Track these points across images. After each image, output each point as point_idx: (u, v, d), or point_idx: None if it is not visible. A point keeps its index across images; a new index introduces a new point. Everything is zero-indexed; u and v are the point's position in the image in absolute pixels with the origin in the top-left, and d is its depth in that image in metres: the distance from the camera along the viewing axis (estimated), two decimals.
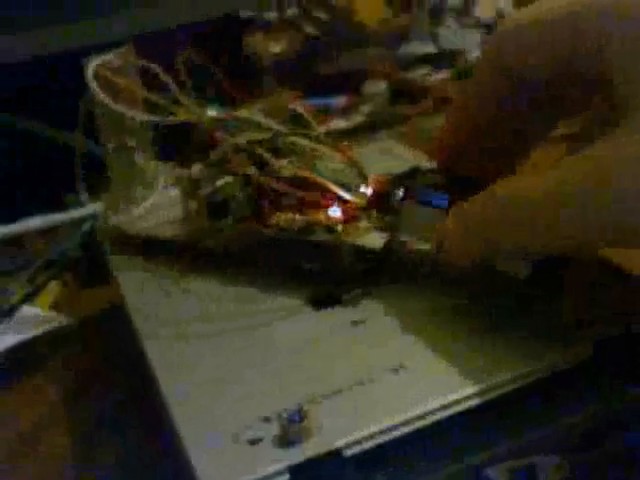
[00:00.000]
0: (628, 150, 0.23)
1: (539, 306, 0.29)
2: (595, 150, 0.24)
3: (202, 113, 0.35)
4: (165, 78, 0.35)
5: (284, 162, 0.34)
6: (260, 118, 0.36)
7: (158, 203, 0.39)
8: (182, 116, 0.34)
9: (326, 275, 0.32)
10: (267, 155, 0.33)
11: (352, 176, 0.34)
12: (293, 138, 0.35)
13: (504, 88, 0.29)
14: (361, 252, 0.32)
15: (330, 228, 0.32)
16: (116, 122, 0.38)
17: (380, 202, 0.32)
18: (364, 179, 0.34)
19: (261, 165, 0.34)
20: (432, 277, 0.31)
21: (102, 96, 0.35)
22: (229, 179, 0.34)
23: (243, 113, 0.36)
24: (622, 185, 0.23)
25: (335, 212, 0.32)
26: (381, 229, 0.32)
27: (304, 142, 0.35)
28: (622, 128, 0.24)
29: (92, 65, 0.35)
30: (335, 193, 0.32)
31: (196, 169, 0.35)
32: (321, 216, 0.32)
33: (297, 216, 0.32)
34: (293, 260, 0.33)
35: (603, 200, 0.23)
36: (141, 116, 0.36)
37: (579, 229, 0.24)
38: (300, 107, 0.37)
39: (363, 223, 0.32)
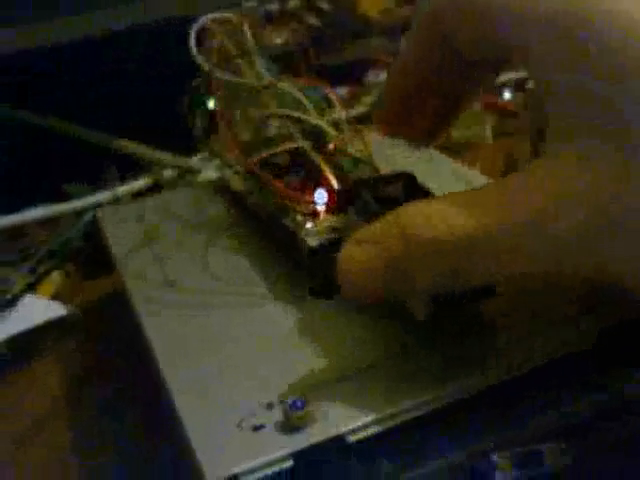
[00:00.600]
0: (558, 186, 0.22)
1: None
2: (524, 179, 0.23)
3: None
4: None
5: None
6: (300, 94, 0.36)
7: None
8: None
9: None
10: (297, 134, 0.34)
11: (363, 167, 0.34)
12: (317, 120, 0.35)
13: (437, 51, 0.27)
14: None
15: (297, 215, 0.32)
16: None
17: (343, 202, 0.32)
18: (375, 171, 0.34)
19: None
20: None
21: (197, 55, 0.37)
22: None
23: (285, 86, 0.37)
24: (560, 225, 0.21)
25: (320, 198, 0.32)
26: (332, 230, 0.31)
27: (327, 126, 0.35)
28: (549, 153, 0.23)
29: (198, 24, 0.37)
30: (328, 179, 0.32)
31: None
32: (300, 198, 0.32)
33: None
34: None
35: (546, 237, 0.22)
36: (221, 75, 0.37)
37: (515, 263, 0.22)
38: (331, 92, 0.37)
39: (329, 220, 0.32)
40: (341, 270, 0.25)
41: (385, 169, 0.33)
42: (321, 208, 0.32)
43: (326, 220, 0.31)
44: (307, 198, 0.32)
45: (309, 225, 0.31)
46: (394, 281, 0.24)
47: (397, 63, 0.29)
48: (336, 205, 0.32)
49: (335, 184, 0.32)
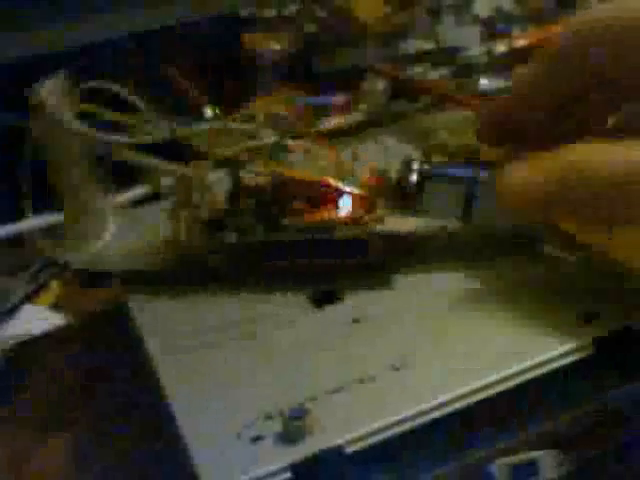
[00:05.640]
0: None
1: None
2: None
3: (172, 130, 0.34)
4: (131, 98, 0.34)
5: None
6: (244, 126, 0.36)
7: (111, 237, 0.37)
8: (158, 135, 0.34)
9: (338, 270, 0.32)
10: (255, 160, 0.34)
11: (342, 172, 0.34)
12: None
13: (574, 76, 0.28)
14: (392, 239, 0.32)
15: (350, 222, 0.32)
16: (63, 154, 0.35)
17: (389, 189, 0.33)
18: (352, 174, 0.34)
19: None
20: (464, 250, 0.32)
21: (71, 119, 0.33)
22: (216, 194, 0.34)
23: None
24: None
25: (345, 205, 0.33)
26: (400, 214, 0.33)
27: (291, 143, 0.35)
28: None
29: (46, 89, 0.33)
30: (338, 189, 0.33)
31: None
32: (330, 214, 0.33)
33: (311, 217, 0.33)
34: (311, 259, 0.33)
35: None
36: (114, 138, 0.34)
37: None
38: (286, 109, 0.37)
39: (378, 212, 0.33)
40: (504, 185, 0.27)
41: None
42: (346, 212, 0.33)
43: (371, 216, 0.32)
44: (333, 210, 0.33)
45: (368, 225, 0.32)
46: (548, 203, 0.26)
47: (526, 79, 0.30)
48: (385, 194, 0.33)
49: (356, 191, 0.33)
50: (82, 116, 0.34)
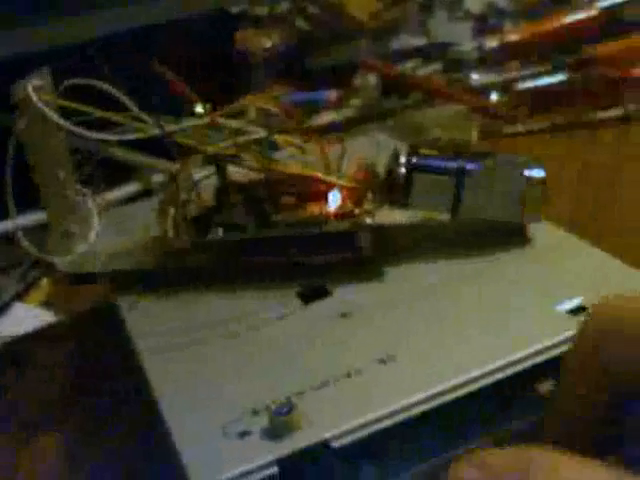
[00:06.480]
0: None
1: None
2: None
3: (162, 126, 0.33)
4: (119, 95, 0.33)
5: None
6: (234, 122, 0.35)
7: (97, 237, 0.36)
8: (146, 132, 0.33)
9: (328, 265, 0.32)
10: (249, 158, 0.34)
11: (330, 167, 0.34)
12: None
13: (600, 385, 0.24)
14: (381, 231, 0.32)
15: (340, 216, 0.32)
16: (47, 153, 0.35)
17: (378, 183, 0.33)
18: (340, 169, 0.34)
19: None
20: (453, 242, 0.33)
21: (55, 117, 0.32)
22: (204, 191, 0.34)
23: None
24: None
25: (335, 199, 0.33)
26: (389, 207, 0.33)
27: (280, 139, 0.35)
28: None
29: (32, 85, 0.32)
30: (327, 183, 0.33)
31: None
32: (320, 208, 0.33)
33: (301, 212, 0.33)
34: (302, 254, 0.33)
35: None
36: (102, 135, 0.33)
37: None
38: (274, 105, 0.37)
39: (368, 205, 0.33)
40: None
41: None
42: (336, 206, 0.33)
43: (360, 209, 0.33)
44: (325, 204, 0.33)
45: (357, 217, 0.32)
46: None
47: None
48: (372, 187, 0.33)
49: (345, 184, 0.33)
50: (71, 113, 0.34)
